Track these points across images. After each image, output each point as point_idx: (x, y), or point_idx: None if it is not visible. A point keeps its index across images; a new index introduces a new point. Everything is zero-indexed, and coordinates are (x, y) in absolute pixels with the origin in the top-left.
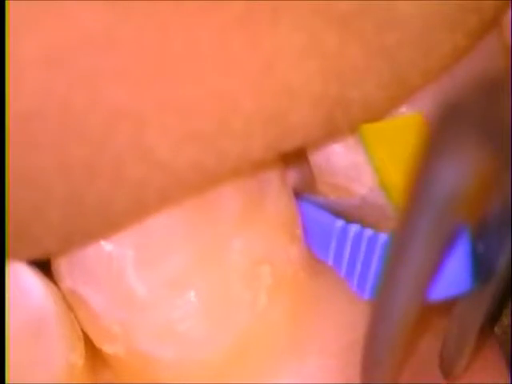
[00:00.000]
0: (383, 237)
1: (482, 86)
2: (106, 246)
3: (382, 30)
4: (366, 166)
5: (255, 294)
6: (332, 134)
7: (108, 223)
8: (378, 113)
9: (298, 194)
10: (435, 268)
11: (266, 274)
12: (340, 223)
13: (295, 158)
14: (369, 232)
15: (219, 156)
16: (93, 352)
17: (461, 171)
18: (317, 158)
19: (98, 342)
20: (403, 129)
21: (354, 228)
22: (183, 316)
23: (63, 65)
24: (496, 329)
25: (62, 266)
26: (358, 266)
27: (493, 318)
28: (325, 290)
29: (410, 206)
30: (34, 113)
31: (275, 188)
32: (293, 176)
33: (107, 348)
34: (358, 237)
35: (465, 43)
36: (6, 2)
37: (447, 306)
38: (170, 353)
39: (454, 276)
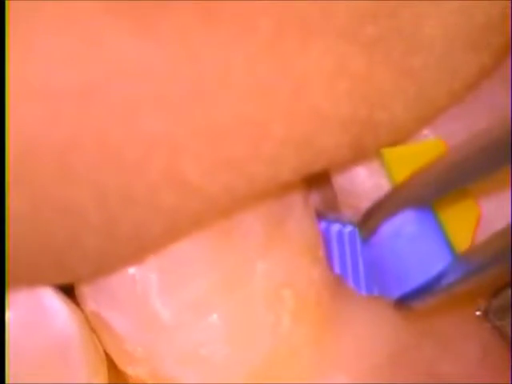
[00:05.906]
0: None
1: None
2: (130, 269)
3: (409, 53)
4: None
5: (278, 316)
6: (359, 156)
7: (142, 248)
8: (404, 134)
9: (320, 216)
10: None
11: (288, 296)
12: (337, 227)
13: (318, 180)
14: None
15: (249, 180)
16: (116, 375)
17: None
18: (340, 181)
19: (121, 364)
20: (425, 153)
21: (336, 227)
22: (206, 339)
23: (98, 96)
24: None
25: (85, 289)
26: (349, 262)
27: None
28: (347, 311)
29: None
30: (71, 144)
31: (298, 211)
32: (315, 198)
33: (131, 370)
34: (340, 234)
35: (490, 63)
36: (7, 2)
37: None
38: (193, 376)
39: (434, 255)
